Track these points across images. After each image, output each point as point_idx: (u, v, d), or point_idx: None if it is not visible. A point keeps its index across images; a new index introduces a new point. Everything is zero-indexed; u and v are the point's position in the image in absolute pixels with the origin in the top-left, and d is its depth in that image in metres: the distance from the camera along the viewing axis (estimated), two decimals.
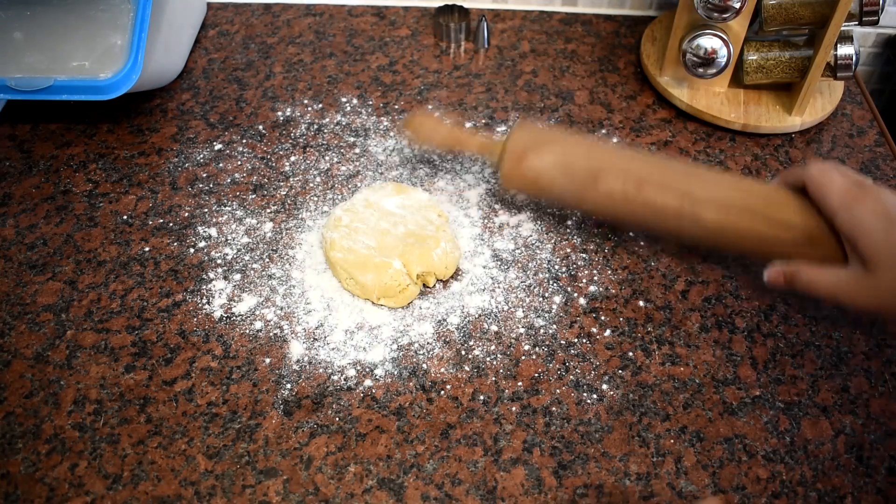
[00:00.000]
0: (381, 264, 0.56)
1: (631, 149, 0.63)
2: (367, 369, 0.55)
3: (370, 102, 0.75)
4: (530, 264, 0.61)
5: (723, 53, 0.69)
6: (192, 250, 0.62)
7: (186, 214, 0.65)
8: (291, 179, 0.68)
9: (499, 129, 0.73)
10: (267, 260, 0.61)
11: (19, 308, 0.58)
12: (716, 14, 0.67)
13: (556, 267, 0.61)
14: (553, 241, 0.63)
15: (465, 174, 0.68)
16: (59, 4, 0.66)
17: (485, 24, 0.81)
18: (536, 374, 0.55)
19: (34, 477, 0.49)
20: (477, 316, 0.58)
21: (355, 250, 0.57)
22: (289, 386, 0.54)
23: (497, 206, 0.66)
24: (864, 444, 0.52)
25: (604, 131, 0.73)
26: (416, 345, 0.56)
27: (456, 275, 0.61)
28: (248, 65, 0.80)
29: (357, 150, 0.70)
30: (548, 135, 0.59)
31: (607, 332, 0.57)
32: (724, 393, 0.54)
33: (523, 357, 0.56)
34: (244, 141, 0.71)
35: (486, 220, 0.65)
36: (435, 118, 0.65)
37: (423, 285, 0.59)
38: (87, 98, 0.64)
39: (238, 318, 0.57)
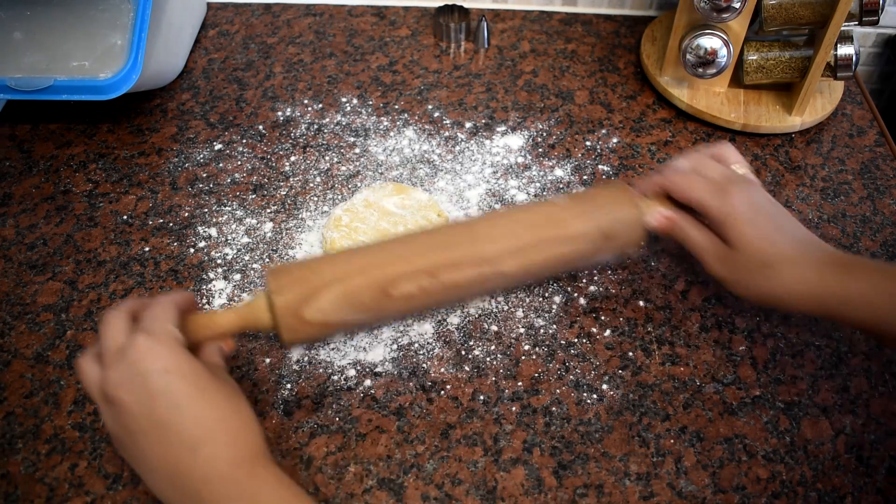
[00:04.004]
0: None
1: (393, 234, 0.56)
2: (367, 369, 0.55)
3: (370, 102, 0.75)
4: None
5: (723, 53, 0.69)
6: (192, 250, 0.62)
7: (186, 214, 0.65)
8: (291, 179, 0.68)
9: (498, 129, 0.73)
10: (267, 260, 0.61)
11: (19, 308, 0.58)
12: (716, 14, 0.67)
13: None
14: None
15: (465, 174, 0.68)
16: (59, 4, 0.66)
17: (485, 24, 0.81)
18: (536, 374, 0.55)
19: (34, 477, 0.49)
20: (477, 316, 0.58)
21: None
22: (289, 386, 0.54)
23: (497, 206, 0.66)
24: (864, 444, 0.52)
25: (604, 131, 0.73)
26: (416, 345, 0.56)
27: None
28: (248, 65, 0.80)
29: (357, 150, 0.70)
30: (309, 272, 0.49)
31: (607, 332, 0.57)
32: (724, 393, 0.54)
33: (523, 357, 0.56)
34: (244, 141, 0.71)
35: None
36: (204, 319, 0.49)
37: None
38: (87, 98, 0.64)
39: None
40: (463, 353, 0.56)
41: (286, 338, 0.48)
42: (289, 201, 0.66)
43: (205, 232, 0.63)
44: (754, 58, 0.71)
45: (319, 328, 0.49)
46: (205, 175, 0.68)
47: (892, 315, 0.46)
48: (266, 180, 0.68)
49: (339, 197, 0.66)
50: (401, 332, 0.57)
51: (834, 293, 0.48)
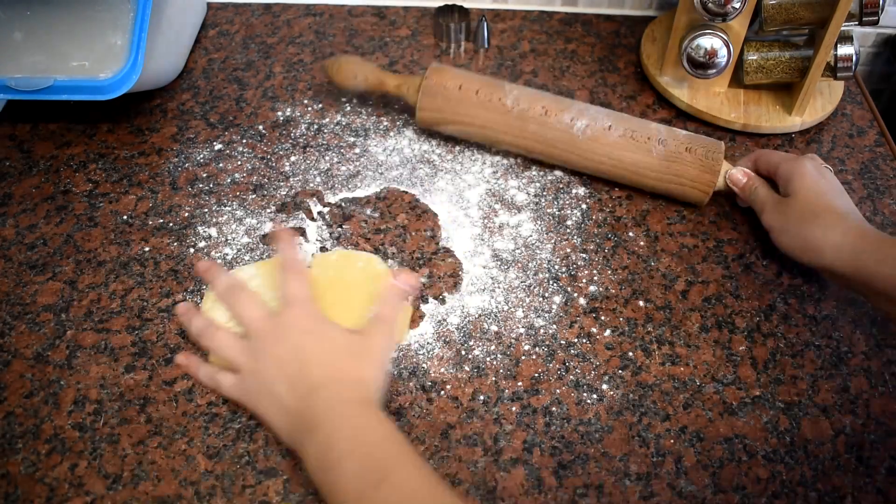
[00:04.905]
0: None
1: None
2: None
3: (370, 102, 0.75)
4: (530, 264, 0.61)
5: (723, 53, 0.69)
6: (192, 250, 0.62)
7: (186, 214, 0.65)
8: (291, 179, 0.68)
9: None
10: (267, 260, 0.61)
11: (19, 308, 0.58)
12: (716, 14, 0.67)
13: (556, 267, 0.61)
14: (553, 241, 0.63)
15: (465, 174, 0.68)
16: (59, 4, 0.66)
17: (485, 24, 0.81)
18: (536, 374, 0.55)
19: (34, 477, 0.49)
20: (477, 316, 0.58)
21: None
22: None
23: (497, 206, 0.66)
24: (864, 444, 0.52)
25: None
26: (416, 345, 0.56)
27: (456, 275, 0.61)
28: (248, 65, 0.80)
29: (357, 150, 0.70)
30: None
31: (607, 332, 0.57)
32: (724, 393, 0.54)
33: (523, 357, 0.56)
34: (244, 141, 0.71)
35: (486, 220, 0.65)
36: (356, 59, 0.70)
37: None
38: (87, 98, 0.64)
39: None
40: (463, 353, 0.56)
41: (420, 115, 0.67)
42: (289, 201, 0.66)
43: (205, 232, 0.63)
44: (754, 58, 0.71)
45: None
46: (205, 175, 0.68)
47: None
48: (266, 180, 0.68)
49: (340, 198, 0.66)
50: None
51: (872, 252, 0.52)
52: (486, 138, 0.68)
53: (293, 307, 0.51)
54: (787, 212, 0.57)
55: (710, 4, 0.66)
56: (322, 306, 0.52)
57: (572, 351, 0.56)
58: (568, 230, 0.64)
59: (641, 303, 0.59)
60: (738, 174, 0.63)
